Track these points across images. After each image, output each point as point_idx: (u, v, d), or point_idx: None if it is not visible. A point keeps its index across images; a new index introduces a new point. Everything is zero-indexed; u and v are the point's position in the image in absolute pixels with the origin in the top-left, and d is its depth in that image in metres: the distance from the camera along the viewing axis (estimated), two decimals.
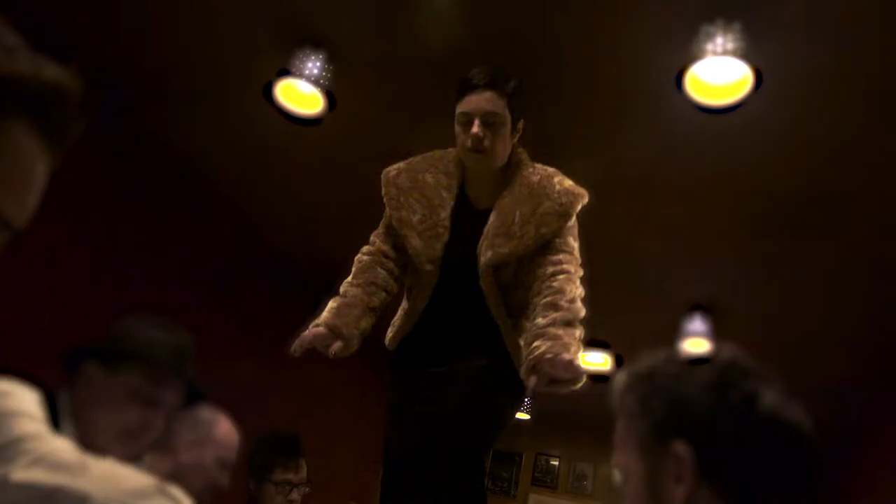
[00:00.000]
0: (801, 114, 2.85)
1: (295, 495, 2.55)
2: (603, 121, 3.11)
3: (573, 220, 1.94)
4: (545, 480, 7.76)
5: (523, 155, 2.01)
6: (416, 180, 1.96)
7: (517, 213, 1.88)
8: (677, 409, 0.78)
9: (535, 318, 1.77)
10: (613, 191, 3.46)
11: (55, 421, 1.24)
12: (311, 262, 4.85)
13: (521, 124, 1.93)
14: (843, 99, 2.75)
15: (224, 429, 2.09)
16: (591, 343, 5.22)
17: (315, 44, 2.90)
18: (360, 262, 1.97)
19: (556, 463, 7.80)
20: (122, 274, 3.52)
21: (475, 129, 1.82)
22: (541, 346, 1.68)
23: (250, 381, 4.24)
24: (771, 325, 4.58)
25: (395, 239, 1.97)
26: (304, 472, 2.61)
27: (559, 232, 1.89)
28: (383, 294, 1.93)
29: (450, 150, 2.01)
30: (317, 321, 1.84)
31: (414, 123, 3.10)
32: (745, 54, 2.47)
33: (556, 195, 1.91)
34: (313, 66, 2.90)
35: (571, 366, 1.63)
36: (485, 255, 1.85)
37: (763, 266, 3.97)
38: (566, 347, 1.66)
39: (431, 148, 2.07)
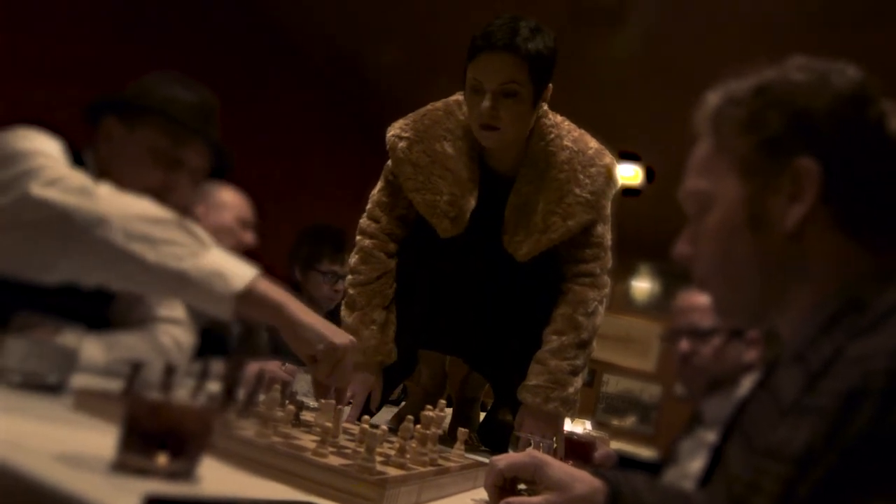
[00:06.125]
0: None
1: (340, 286, 2.68)
2: None
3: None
4: None
5: (547, 115, 1.72)
6: (433, 152, 1.70)
7: (540, 201, 1.68)
8: (803, 122, 0.70)
9: (548, 334, 1.70)
10: None
11: None
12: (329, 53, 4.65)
13: (548, 91, 1.64)
14: None
15: (229, 193, 2.08)
16: (621, 155, 5.09)
17: None
18: (363, 249, 1.76)
19: None
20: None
21: (487, 102, 1.55)
22: (529, 400, 1.65)
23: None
24: None
25: (401, 210, 1.76)
26: (347, 267, 2.68)
27: (586, 224, 1.70)
28: (393, 282, 1.76)
29: (457, 99, 1.73)
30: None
31: None
32: None
33: (586, 181, 1.68)
34: None
35: (553, 431, 1.63)
36: (514, 251, 1.69)
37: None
38: (561, 403, 1.64)
39: None
